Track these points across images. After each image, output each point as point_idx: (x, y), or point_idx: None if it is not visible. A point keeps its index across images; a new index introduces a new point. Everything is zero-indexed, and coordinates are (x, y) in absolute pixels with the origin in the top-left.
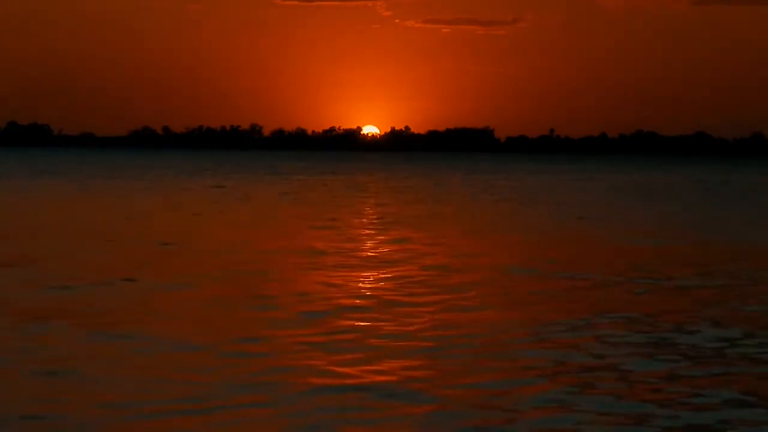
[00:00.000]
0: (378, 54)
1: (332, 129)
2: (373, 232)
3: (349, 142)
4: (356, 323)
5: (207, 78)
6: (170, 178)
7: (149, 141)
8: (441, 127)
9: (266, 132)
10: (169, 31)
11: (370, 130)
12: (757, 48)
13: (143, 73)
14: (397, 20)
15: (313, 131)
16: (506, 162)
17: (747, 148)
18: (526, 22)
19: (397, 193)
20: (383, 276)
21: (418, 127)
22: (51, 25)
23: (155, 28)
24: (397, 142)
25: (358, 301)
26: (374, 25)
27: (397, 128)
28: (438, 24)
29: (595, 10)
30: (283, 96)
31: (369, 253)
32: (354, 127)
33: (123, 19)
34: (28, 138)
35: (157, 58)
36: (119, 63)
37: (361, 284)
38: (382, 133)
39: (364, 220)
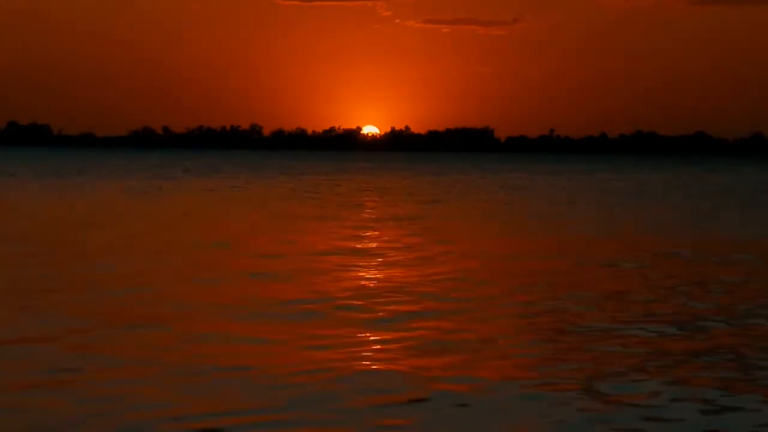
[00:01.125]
0: (378, 54)
1: (332, 129)
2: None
3: (349, 142)
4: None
5: (207, 78)
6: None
7: (149, 141)
8: (441, 127)
9: (266, 132)
10: (169, 31)
11: (370, 130)
12: (757, 48)
13: (143, 73)
14: (397, 20)
15: (313, 131)
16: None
17: (747, 148)
18: (526, 22)
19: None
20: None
21: (418, 127)
22: (51, 25)
23: (155, 28)
24: (397, 142)
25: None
26: (374, 25)
27: (397, 128)
28: (438, 24)
29: (595, 10)
30: (283, 96)
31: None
32: (354, 127)
33: (123, 19)
34: (28, 138)
35: (157, 58)
36: (119, 63)
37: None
38: (382, 133)
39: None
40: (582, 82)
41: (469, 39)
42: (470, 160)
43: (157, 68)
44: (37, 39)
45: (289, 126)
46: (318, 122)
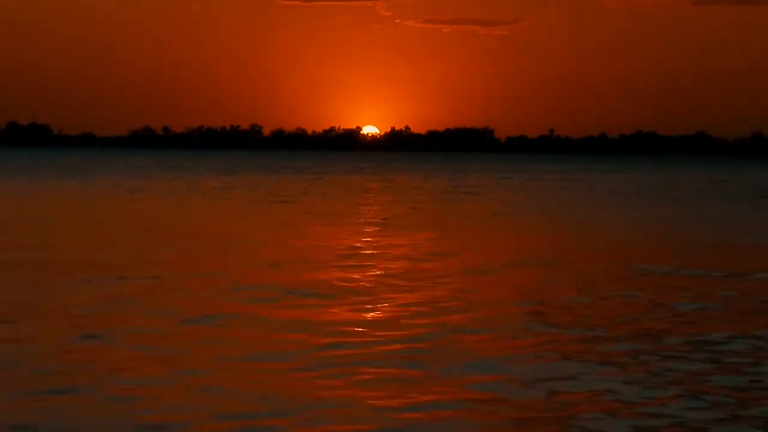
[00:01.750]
0: (378, 54)
1: (332, 129)
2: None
3: (349, 142)
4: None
5: (207, 78)
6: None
7: (149, 141)
8: (441, 127)
9: (266, 132)
10: (169, 31)
11: (370, 130)
12: (757, 48)
13: (143, 73)
14: (397, 20)
15: (313, 131)
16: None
17: (747, 148)
18: (526, 22)
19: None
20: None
21: (418, 127)
22: (51, 26)
23: (156, 27)
24: (397, 142)
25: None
26: (374, 25)
27: (397, 128)
28: (438, 24)
29: (595, 9)
30: (283, 96)
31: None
32: (354, 127)
33: (123, 19)
34: (28, 138)
35: (157, 57)
36: (119, 63)
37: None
38: (382, 133)
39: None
40: (582, 82)
41: (469, 39)
42: (474, 160)
43: (157, 68)
44: (37, 39)
45: (289, 126)
46: (318, 122)
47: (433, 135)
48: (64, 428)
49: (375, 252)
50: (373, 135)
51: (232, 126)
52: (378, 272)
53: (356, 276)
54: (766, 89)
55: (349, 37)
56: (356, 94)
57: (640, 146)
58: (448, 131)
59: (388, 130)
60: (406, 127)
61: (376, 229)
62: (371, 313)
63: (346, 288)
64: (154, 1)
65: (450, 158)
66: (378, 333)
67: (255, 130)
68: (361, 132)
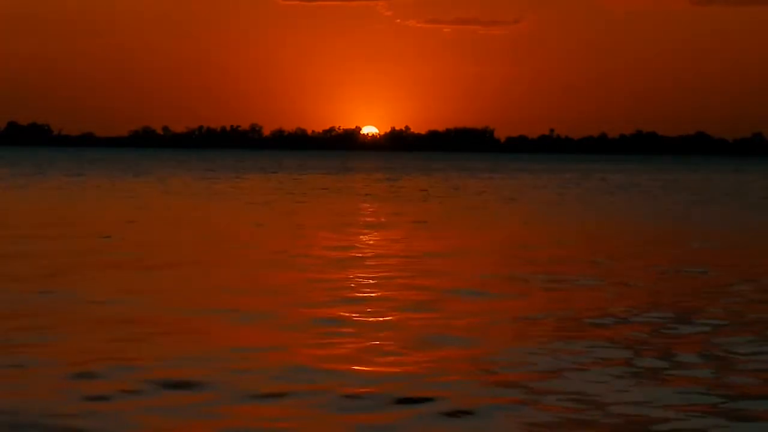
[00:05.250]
0: (378, 54)
1: (332, 129)
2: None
3: (349, 142)
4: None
5: (207, 78)
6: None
7: (149, 141)
8: (441, 127)
9: (266, 132)
10: (169, 31)
11: (369, 130)
12: (757, 48)
13: (143, 73)
14: (398, 20)
15: (312, 131)
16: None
17: (747, 148)
18: (527, 22)
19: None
20: None
21: (418, 127)
22: (51, 25)
23: (156, 27)
24: (397, 142)
25: None
26: (375, 25)
27: (397, 128)
28: (439, 24)
29: (596, 10)
30: (283, 96)
31: None
32: (354, 127)
33: (123, 19)
34: (28, 138)
35: (157, 58)
36: (119, 63)
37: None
38: (382, 133)
39: None
40: (582, 82)
41: (470, 39)
42: (477, 160)
43: (157, 68)
44: (37, 39)
45: (289, 126)
46: (318, 122)
47: (433, 135)
48: None
49: None
50: (373, 135)
51: (231, 126)
52: None
53: None
54: (766, 89)
55: (350, 37)
56: (356, 94)
57: (640, 146)
58: (448, 131)
59: (388, 130)
60: (406, 127)
61: None
62: None
63: None
64: (154, 1)
65: (456, 158)
66: None
67: (255, 130)
68: (360, 132)
